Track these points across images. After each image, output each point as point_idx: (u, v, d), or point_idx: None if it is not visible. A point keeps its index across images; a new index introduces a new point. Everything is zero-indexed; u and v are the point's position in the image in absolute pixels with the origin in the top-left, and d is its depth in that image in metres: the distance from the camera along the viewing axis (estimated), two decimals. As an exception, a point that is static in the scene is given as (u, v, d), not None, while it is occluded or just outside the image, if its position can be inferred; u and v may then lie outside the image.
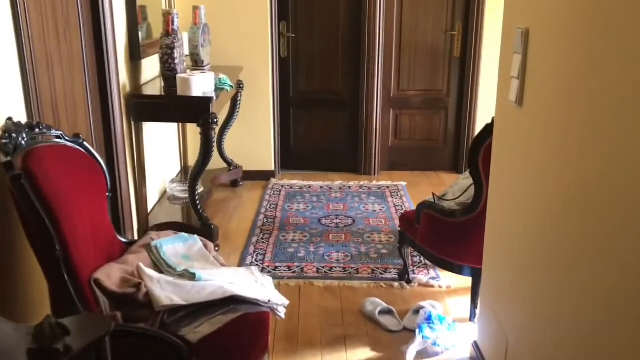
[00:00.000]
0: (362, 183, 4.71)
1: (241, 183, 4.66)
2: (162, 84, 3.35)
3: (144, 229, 3.39)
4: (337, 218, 3.97)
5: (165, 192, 3.99)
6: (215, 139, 4.46)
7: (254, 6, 4.44)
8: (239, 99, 4.43)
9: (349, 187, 4.61)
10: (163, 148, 4.02)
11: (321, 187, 4.60)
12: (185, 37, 3.80)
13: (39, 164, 1.82)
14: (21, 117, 2.06)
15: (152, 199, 3.78)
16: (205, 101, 3.19)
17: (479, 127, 4.67)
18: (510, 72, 2.03)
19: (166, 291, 1.95)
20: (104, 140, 2.98)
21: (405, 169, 5.04)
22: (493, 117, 2.33)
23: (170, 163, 4.23)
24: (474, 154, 2.48)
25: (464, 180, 2.91)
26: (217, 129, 4.40)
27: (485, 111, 4.78)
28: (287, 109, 4.91)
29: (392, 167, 5.04)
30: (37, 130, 1.95)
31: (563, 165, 1.62)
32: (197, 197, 3.43)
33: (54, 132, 2.04)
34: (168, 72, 3.24)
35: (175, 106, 3.25)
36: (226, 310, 1.95)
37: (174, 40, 3.21)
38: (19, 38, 2.07)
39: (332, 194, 4.46)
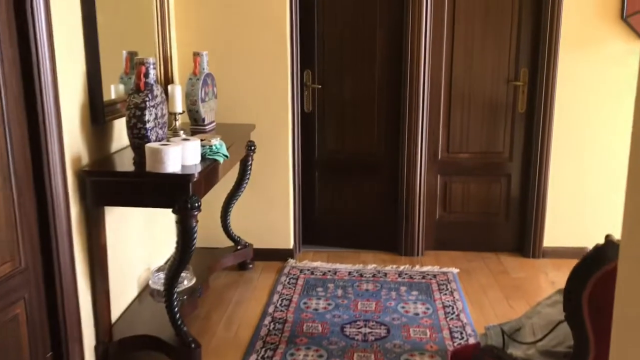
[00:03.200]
0: (401, 268, 3.75)
1: (251, 265, 3.78)
2: (133, 156, 2.53)
3: (103, 347, 2.54)
4: (366, 325, 3.02)
5: (149, 283, 3.14)
6: (220, 213, 3.70)
7: (271, 52, 3.65)
8: (249, 162, 3.60)
9: (385, 274, 3.66)
10: (149, 224, 3.20)
11: (349, 273, 3.67)
12: (178, 90, 3.02)
13: None
14: None
15: (128, 294, 2.94)
16: (182, 180, 2.36)
17: (551, 199, 3.68)
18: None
19: None
20: (39, 236, 2.17)
21: (456, 248, 4.06)
22: (608, 237, 1.40)
23: (159, 243, 3.40)
24: (575, 289, 1.52)
25: (551, 308, 1.94)
26: (224, 199, 3.59)
27: (558, 179, 3.79)
28: (310, 173, 4.05)
29: (440, 246, 4.07)
30: None
31: None
32: (175, 305, 2.57)
33: None
34: (136, 140, 2.43)
35: (143, 186, 2.42)
36: None
37: (146, 99, 2.41)
38: None
39: (362, 284, 3.51)
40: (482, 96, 3.86)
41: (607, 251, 1.42)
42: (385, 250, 4.04)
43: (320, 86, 3.92)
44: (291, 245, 3.92)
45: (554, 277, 3.63)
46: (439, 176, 4.00)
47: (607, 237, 1.50)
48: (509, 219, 4.01)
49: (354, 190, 4.07)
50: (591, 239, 3.97)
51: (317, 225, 4.13)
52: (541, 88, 3.71)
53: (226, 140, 2.94)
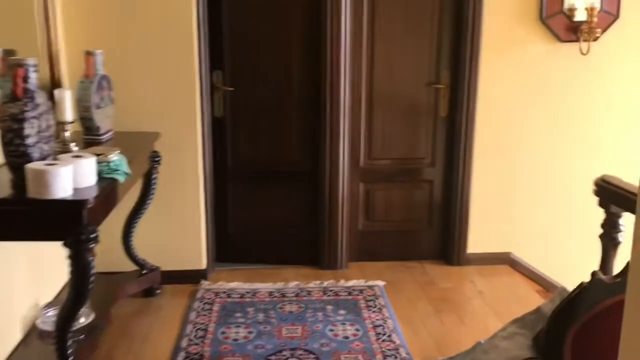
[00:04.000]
0: (326, 284, 3.50)
1: (159, 291, 3.37)
2: (11, 177, 2.08)
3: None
4: (293, 355, 2.73)
5: (36, 323, 2.67)
6: (121, 233, 3.27)
7: (176, 51, 3.26)
8: (154, 176, 3.20)
9: (309, 292, 3.39)
10: (36, 249, 2.72)
11: (270, 294, 3.36)
12: (67, 96, 2.57)
13: None
14: None
15: (11, 338, 2.47)
16: (74, 207, 1.95)
17: (474, 204, 3.58)
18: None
19: None
20: None
21: (380, 258, 3.86)
22: (594, 274, 1.20)
23: (48, 271, 2.92)
24: (557, 335, 1.32)
25: (508, 342, 1.74)
26: (126, 217, 3.16)
27: (481, 184, 3.70)
28: (223, 184, 3.70)
29: (364, 257, 3.86)
30: None
31: None
32: (68, 349, 2.15)
33: None
34: (14, 159, 1.99)
35: (25, 216, 1.98)
36: None
37: (26, 108, 1.97)
38: None
39: (285, 305, 3.22)
40: (403, 100, 3.68)
41: (594, 291, 1.24)
42: (308, 264, 3.78)
43: (232, 89, 3.58)
44: (204, 264, 3.55)
45: (481, 286, 3.53)
46: (361, 184, 3.79)
47: (594, 274, 1.32)
48: (432, 226, 3.87)
49: (272, 201, 3.76)
50: (515, 245, 3.95)
51: (233, 241, 3.79)
52: (463, 91, 3.59)
53: (126, 153, 2.54)
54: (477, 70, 3.55)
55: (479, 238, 3.78)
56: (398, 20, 3.57)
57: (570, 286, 3.82)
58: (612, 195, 2.26)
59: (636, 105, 3.69)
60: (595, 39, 3.47)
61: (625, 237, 2.35)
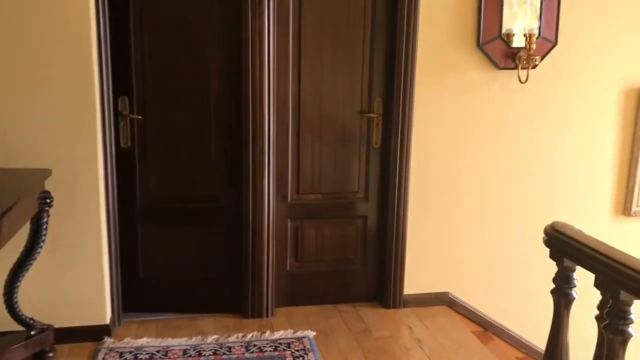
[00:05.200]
0: (249, 337, 3.11)
1: (51, 354, 2.87)
2: None
3: None
4: None
5: None
6: (3, 289, 2.76)
7: (72, 75, 2.81)
8: (44, 220, 2.72)
9: (229, 349, 2.99)
10: None
11: (185, 352, 2.94)
12: None
13: None
14: None
15: None
16: None
17: (411, 241, 3.33)
18: None
19: None
20: None
21: (310, 302, 3.52)
22: None
23: None
24: None
25: None
26: (10, 270, 2.67)
27: (418, 220, 3.44)
28: (131, 225, 3.25)
29: (292, 301, 3.50)
30: None
31: None
32: None
33: None
34: None
35: None
36: None
37: None
38: None
39: (201, 366, 2.81)
40: (333, 130, 3.38)
41: None
42: (229, 312, 3.38)
43: (140, 117, 3.15)
44: (107, 318, 3.08)
45: (419, 333, 3.24)
46: (289, 221, 3.44)
47: None
48: (366, 265, 3.57)
49: (189, 242, 3.35)
50: (453, 284, 3.71)
51: (143, 288, 3.34)
52: (397, 120, 3.33)
53: (6, 193, 2.08)
54: (412, 98, 3.29)
55: (416, 277, 3.51)
56: (327, 46, 3.27)
57: (511, 325, 3.63)
58: (564, 248, 2.02)
59: (577, 134, 3.54)
60: (534, 67, 3.29)
61: (579, 291, 2.11)
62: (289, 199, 3.41)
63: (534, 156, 3.52)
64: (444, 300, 3.57)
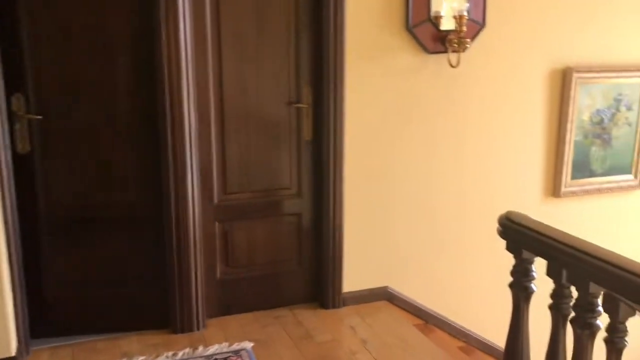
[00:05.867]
0: (180, 354, 2.82)
1: (-54, 399, 2.46)
2: None
3: None
4: None
5: None
6: None
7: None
8: None
9: (159, 371, 2.69)
10: None
11: (108, 380, 2.61)
12: None
13: None
14: None
15: None
16: None
17: (348, 237, 3.16)
18: None
19: None
20: None
21: (245, 309, 3.27)
22: None
23: None
24: None
25: None
26: None
27: (354, 214, 3.27)
28: (35, 241, 2.86)
29: (225, 310, 3.23)
30: None
31: None
32: None
33: None
34: None
35: None
36: None
37: None
38: None
39: (128, 395, 2.50)
40: (260, 122, 3.13)
41: None
42: (155, 329, 3.06)
43: (40, 116, 2.75)
44: (13, 349, 2.68)
45: (362, 333, 3.08)
46: (216, 224, 3.16)
47: None
48: (302, 266, 3.36)
49: (104, 255, 2.99)
50: (392, 278, 3.59)
51: (53, 310, 2.95)
52: (328, 110, 3.13)
53: None
54: (342, 86, 3.10)
55: (354, 274, 3.35)
56: (249, 31, 3.01)
57: (451, 315, 3.56)
58: (523, 240, 1.90)
59: (507, 117, 3.50)
60: (464, 50, 3.19)
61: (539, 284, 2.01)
62: (216, 200, 3.13)
63: (466, 141, 3.44)
64: (384, 295, 3.44)
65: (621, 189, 3.85)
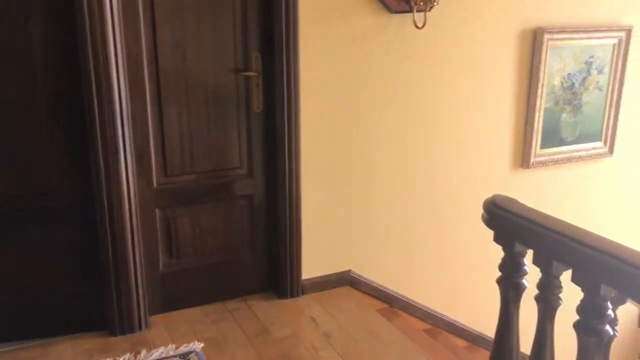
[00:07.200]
0: (119, 362, 2.48)
1: None
2: None
3: None
4: None
5: None
6: None
7: None
8: None
9: (94, 384, 2.34)
10: None
11: (33, 399, 2.24)
12: None
13: None
14: None
15: None
16: None
17: (306, 219, 2.86)
18: None
19: None
20: None
21: (193, 303, 2.93)
22: None
23: None
24: None
25: None
26: None
27: (313, 195, 2.95)
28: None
29: (170, 306, 2.89)
30: None
31: None
32: None
33: None
34: None
35: None
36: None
37: None
38: None
39: (57, 417, 2.14)
40: (204, 94, 2.74)
41: None
42: (91, 331, 2.70)
43: None
44: None
45: (325, 325, 2.80)
46: (157, 211, 2.78)
47: None
48: (255, 252, 3.03)
49: (26, 252, 2.58)
50: (356, 261, 3.31)
51: (-33, 318, 2.54)
52: (280, 79, 2.76)
53: None
54: (296, 51, 2.74)
55: (314, 259, 3.05)
56: (187, -14, 2.59)
57: (417, 297, 3.33)
58: (518, 231, 1.63)
59: (475, 83, 3.22)
60: (431, 9, 2.86)
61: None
62: (155, 184, 2.74)
63: (432, 109, 3.15)
64: (346, 280, 3.16)
65: (591, 157, 3.67)
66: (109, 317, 2.69)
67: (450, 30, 3.06)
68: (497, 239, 1.71)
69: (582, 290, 1.45)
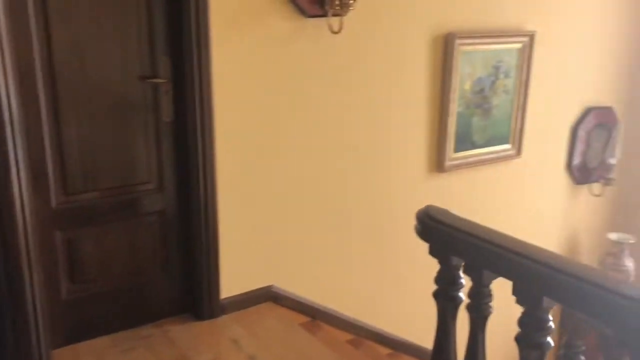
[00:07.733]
0: (16, 407, 2.18)
1: None
2: None
3: None
4: None
5: None
6: None
7: None
8: None
9: None
10: None
11: None
12: None
13: None
14: None
15: None
16: None
17: (224, 234, 2.68)
18: None
19: None
20: None
21: (101, 332, 2.67)
22: None
23: None
24: None
25: None
26: None
27: (230, 209, 2.78)
28: None
29: (74, 337, 2.61)
30: None
31: None
32: None
33: None
34: None
35: None
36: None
37: None
38: None
39: None
40: (108, 103, 2.50)
41: None
42: (-20, 374, 2.38)
43: None
44: None
45: (248, 347, 2.64)
46: (57, 232, 2.51)
47: None
48: (168, 272, 2.81)
49: None
50: (278, 275, 3.17)
51: None
52: (192, 85, 2.58)
53: None
54: (208, 57, 2.57)
55: (233, 276, 2.89)
56: (83, -16, 2.35)
57: (341, 307, 3.25)
58: (454, 244, 1.57)
59: (390, 88, 3.19)
60: (347, 13, 2.79)
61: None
62: (54, 203, 2.47)
63: (348, 115, 3.08)
64: (268, 296, 3.02)
65: (500, 159, 3.76)
66: (2, 355, 2.38)
67: (365, 36, 3.01)
68: (432, 253, 1.65)
69: (522, 303, 1.41)
